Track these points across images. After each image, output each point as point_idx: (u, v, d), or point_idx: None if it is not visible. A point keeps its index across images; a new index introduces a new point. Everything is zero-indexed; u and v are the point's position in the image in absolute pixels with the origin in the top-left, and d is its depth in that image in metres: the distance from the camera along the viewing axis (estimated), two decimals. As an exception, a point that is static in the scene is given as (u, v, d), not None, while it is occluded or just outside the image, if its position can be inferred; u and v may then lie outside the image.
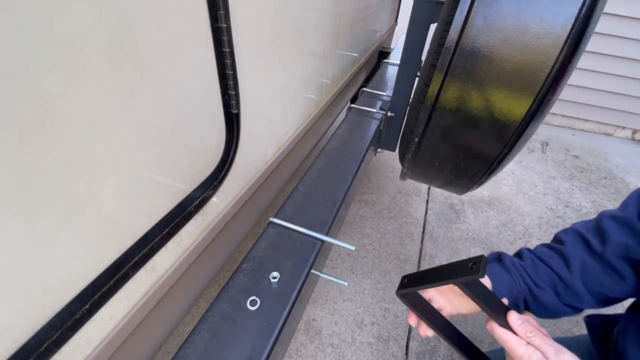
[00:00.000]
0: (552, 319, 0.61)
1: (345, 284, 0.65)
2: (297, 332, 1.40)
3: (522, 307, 0.61)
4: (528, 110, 0.61)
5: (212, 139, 0.57)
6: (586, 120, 3.14)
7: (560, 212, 2.14)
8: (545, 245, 0.65)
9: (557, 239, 0.65)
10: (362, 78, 1.70)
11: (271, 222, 0.71)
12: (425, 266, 1.74)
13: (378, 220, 1.94)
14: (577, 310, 0.60)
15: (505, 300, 0.52)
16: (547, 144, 2.88)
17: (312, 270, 0.63)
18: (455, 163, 0.78)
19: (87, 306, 0.40)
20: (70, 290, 0.38)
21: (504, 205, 2.16)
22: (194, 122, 0.50)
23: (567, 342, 0.67)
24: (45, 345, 0.36)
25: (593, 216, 0.64)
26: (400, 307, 1.50)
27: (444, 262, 1.73)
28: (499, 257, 0.64)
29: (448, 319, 0.56)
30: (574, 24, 0.53)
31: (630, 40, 2.60)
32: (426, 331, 0.56)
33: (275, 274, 0.60)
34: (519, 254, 0.64)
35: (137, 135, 0.41)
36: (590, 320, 0.61)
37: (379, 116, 1.17)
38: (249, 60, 0.58)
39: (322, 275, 0.67)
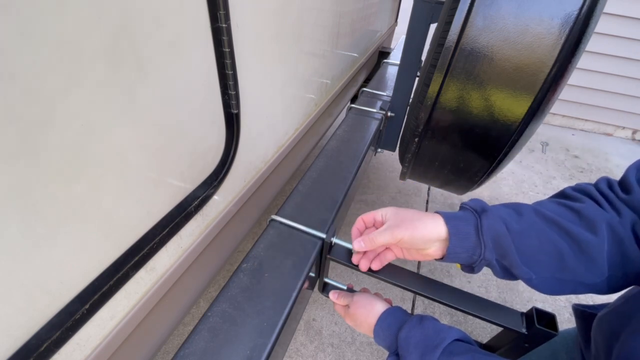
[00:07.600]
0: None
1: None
2: (297, 332, 1.40)
3: (478, 270, 0.48)
4: (528, 110, 0.61)
5: (212, 139, 0.57)
6: (586, 120, 3.14)
7: (560, 212, 2.14)
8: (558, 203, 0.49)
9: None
10: (362, 78, 1.70)
11: (273, 220, 0.71)
12: (424, 266, 1.74)
13: (378, 220, 1.94)
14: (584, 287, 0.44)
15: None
16: (547, 144, 2.88)
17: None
18: (455, 163, 0.78)
19: (87, 306, 0.40)
20: (70, 290, 0.38)
21: (504, 205, 2.16)
22: (193, 122, 0.50)
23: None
24: (45, 345, 0.36)
25: None
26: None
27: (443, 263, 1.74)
28: (482, 210, 0.48)
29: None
30: (573, 24, 0.53)
31: (630, 40, 2.60)
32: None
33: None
34: (518, 211, 0.48)
35: (137, 135, 0.41)
36: (578, 307, 0.60)
37: (379, 116, 1.17)
38: (249, 60, 0.58)
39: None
